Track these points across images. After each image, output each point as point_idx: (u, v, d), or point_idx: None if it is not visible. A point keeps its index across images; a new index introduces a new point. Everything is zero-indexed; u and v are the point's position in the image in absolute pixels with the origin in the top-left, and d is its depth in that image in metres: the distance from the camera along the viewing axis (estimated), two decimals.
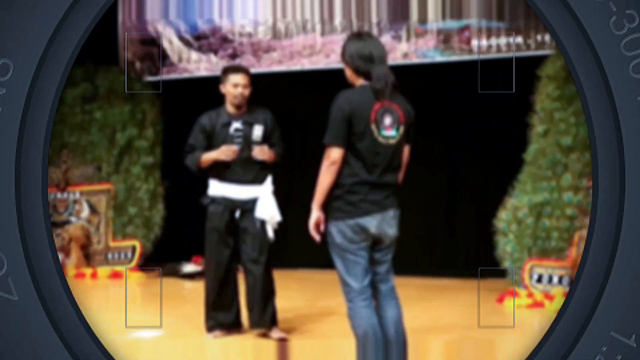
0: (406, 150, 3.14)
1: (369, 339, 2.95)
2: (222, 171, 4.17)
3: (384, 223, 3.00)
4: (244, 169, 4.15)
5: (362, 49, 2.99)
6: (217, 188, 4.21)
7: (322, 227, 3.02)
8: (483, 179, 6.76)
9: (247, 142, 4.16)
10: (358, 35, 3.09)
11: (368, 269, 3.02)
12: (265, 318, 4.18)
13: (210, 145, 4.19)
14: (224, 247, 4.18)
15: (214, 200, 4.20)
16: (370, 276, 3.03)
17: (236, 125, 4.18)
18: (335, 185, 2.96)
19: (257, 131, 4.18)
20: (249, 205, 4.15)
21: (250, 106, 4.24)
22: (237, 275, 4.32)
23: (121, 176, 7.15)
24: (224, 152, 4.10)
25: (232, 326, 4.31)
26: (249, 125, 4.20)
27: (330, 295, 5.39)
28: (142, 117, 7.21)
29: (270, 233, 4.14)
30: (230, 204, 4.18)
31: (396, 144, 3.01)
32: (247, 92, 4.17)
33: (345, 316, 3.04)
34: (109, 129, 7.19)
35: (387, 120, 2.96)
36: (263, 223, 4.12)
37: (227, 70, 4.21)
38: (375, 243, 3.03)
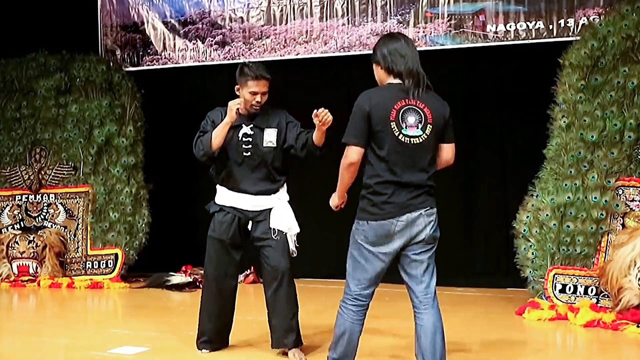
0: (446, 148, 3.14)
1: (343, 340, 3.06)
2: (231, 178, 3.95)
3: (410, 225, 2.99)
4: (254, 178, 3.92)
5: (397, 49, 3.04)
6: (226, 196, 3.99)
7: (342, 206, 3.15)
8: (500, 176, 6.37)
9: (257, 149, 3.91)
10: (391, 35, 3.17)
11: (376, 281, 3.06)
12: (287, 339, 3.96)
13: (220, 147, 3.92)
14: (226, 259, 3.99)
15: (222, 209, 3.99)
16: (374, 288, 3.09)
17: (245, 130, 3.92)
18: (362, 184, 3.03)
19: (269, 136, 3.91)
20: (262, 217, 3.94)
21: (265, 107, 3.95)
22: (235, 292, 4.13)
23: (100, 177, 6.83)
24: (235, 104, 3.78)
25: (221, 343, 4.16)
26: (260, 130, 3.94)
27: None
28: (121, 112, 6.85)
29: (292, 246, 3.93)
30: (240, 215, 3.96)
31: (423, 143, 2.99)
32: (265, 98, 3.90)
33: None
34: (86, 125, 6.85)
35: (411, 119, 2.97)
36: (284, 235, 3.91)
37: (246, 74, 3.86)
38: (405, 244, 3.03)
